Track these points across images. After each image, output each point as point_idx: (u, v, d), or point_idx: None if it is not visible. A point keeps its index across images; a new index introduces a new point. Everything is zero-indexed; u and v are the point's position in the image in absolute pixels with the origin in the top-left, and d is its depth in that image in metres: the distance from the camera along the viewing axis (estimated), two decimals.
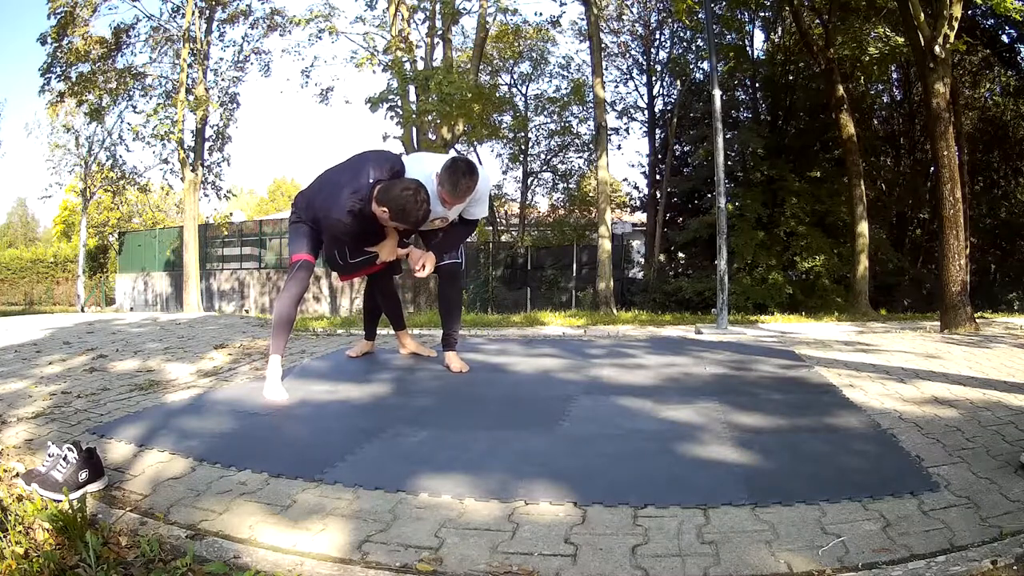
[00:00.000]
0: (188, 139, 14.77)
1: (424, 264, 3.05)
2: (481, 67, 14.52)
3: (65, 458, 1.78)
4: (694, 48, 16.19)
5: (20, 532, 1.53)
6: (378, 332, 3.81)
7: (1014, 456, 1.89)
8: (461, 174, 2.88)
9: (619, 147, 22.56)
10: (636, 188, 20.45)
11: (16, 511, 1.61)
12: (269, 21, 14.94)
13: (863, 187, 11.73)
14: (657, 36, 18.01)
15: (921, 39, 6.24)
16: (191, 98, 14.19)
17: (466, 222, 3.26)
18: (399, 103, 11.44)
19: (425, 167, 3.01)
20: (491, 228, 19.44)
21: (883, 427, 2.27)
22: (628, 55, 19.03)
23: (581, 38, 17.50)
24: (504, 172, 21.81)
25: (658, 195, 16.90)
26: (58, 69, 14.43)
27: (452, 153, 3.30)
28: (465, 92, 10.29)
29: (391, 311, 3.61)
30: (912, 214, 15.87)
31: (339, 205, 2.77)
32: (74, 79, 14.46)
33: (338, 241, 2.95)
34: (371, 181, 2.80)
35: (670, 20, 15.92)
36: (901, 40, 10.74)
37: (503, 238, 19.95)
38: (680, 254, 16.95)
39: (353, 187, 2.79)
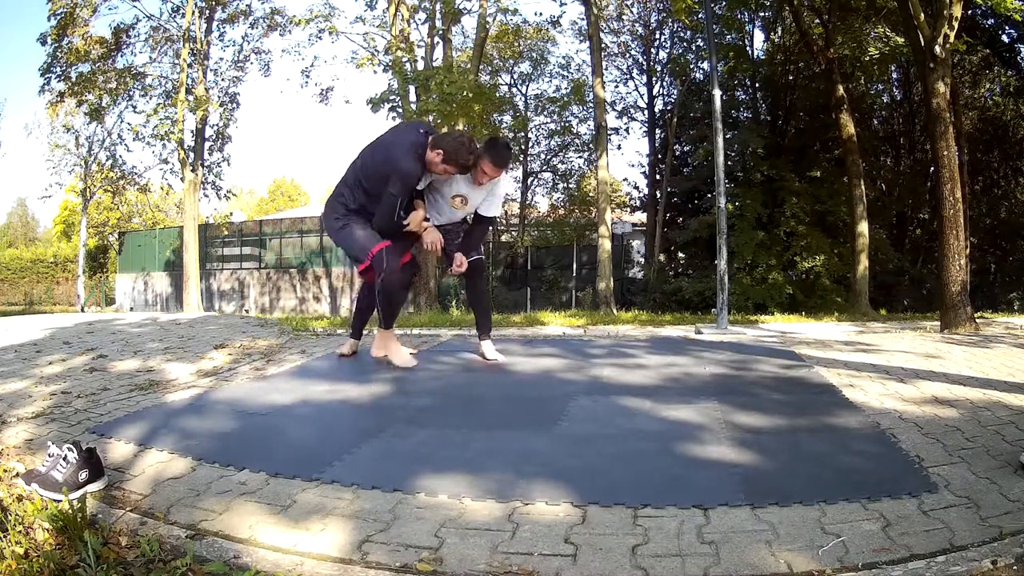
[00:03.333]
0: (188, 139, 14.80)
1: (461, 262, 3.38)
2: (481, 67, 14.53)
3: (65, 458, 1.78)
4: (694, 48, 16.21)
5: (20, 532, 1.53)
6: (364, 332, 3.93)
7: (1014, 456, 1.89)
8: (503, 147, 3.37)
9: (619, 147, 22.63)
10: (636, 188, 20.50)
11: (16, 511, 1.61)
12: (269, 21, 14.96)
13: (863, 187, 11.73)
14: (657, 36, 18.04)
15: (921, 39, 6.23)
16: (191, 98, 14.19)
17: (482, 220, 3.52)
18: (400, 103, 11.45)
19: None
20: (491, 228, 19.45)
21: (883, 427, 2.27)
22: (628, 55, 19.07)
23: (581, 38, 17.54)
24: (504, 172, 21.79)
25: (658, 195, 16.91)
26: (58, 69, 14.45)
27: None
28: (466, 92, 10.30)
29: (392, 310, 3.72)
30: (912, 214, 15.88)
31: (404, 155, 3.05)
32: (74, 79, 14.48)
33: (400, 194, 3.11)
34: (422, 132, 3.17)
35: (670, 20, 15.93)
36: (901, 40, 10.75)
37: (503, 238, 19.95)
38: (680, 254, 16.96)
39: (411, 139, 3.12)
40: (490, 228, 3.70)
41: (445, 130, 3.54)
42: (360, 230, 3.19)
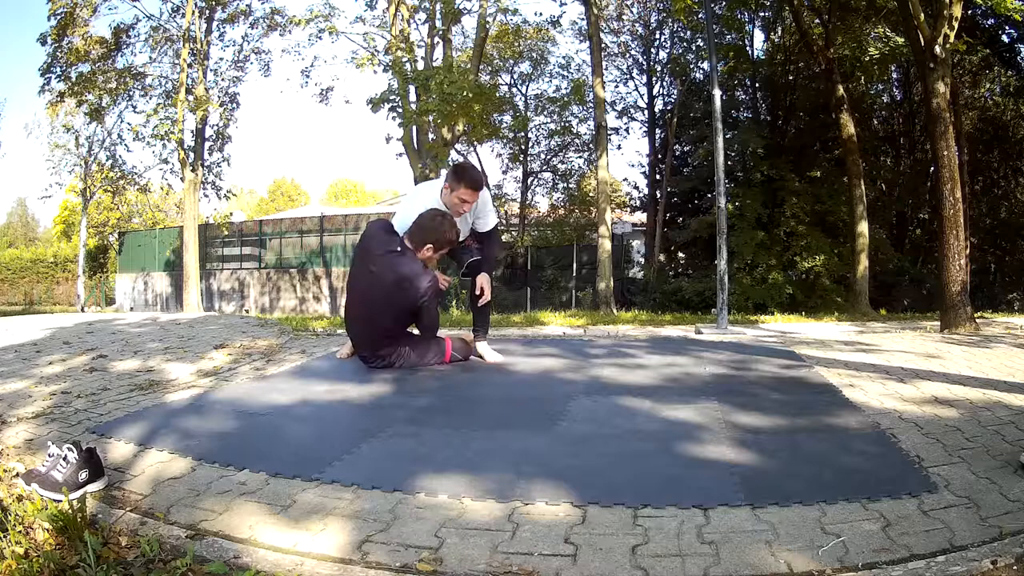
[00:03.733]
0: (188, 139, 14.78)
1: (482, 288, 3.40)
2: (481, 67, 14.52)
3: (65, 458, 1.78)
4: (694, 48, 16.19)
5: (20, 532, 1.53)
6: None
7: (1014, 456, 1.89)
8: (468, 167, 3.34)
9: (619, 147, 22.58)
10: (636, 188, 20.48)
11: (16, 511, 1.61)
12: (269, 21, 14.96)
13: (863, 187, 11.73)
14: (657, 36, 18.02)
15: (921, 39, 6.24)
16: (191, 98, 14.18)
17: (486, 235, 3.54)
18: (400, 103, 11.44)
19: (425, 199, 3.31)
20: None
21: (883, 427, 2.27)
22: (628, 55, 19.05)
23: (581, 38, 17.53)
24: (504, 172, 21.83)
25: (658, 195, 16.90)
26: (58, 69, 14.44)
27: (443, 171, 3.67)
28: (466, 92, 10.29)
29: None
30: (912, 214, 15.88)
31: (421, 279, 3.09)
32: (74, 79, 14.47)
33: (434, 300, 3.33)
34: (400, 239, 3.17)
35: (670, 20, 15.92)
36: (901, 40, 10.75)
37: (503, 238, 19.94)
38: (680, 254, 16.96)
39: (410, 261, 3.12)
40: (497, 232, 3.72)
41: (427, 187, 3.46)
42: (418, 347, 3.36)
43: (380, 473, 1.90)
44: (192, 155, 14.78)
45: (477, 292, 3.40)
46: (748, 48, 15.15)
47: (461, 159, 18.88)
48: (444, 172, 3.50)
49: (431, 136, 12.01)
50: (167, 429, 2.32)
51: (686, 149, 16.98)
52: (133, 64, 15.15)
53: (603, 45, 15.02)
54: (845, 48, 12.16)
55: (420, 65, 11.79)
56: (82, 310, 18.02)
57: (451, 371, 3.40)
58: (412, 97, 11.67)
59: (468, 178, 3.22)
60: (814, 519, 1.57)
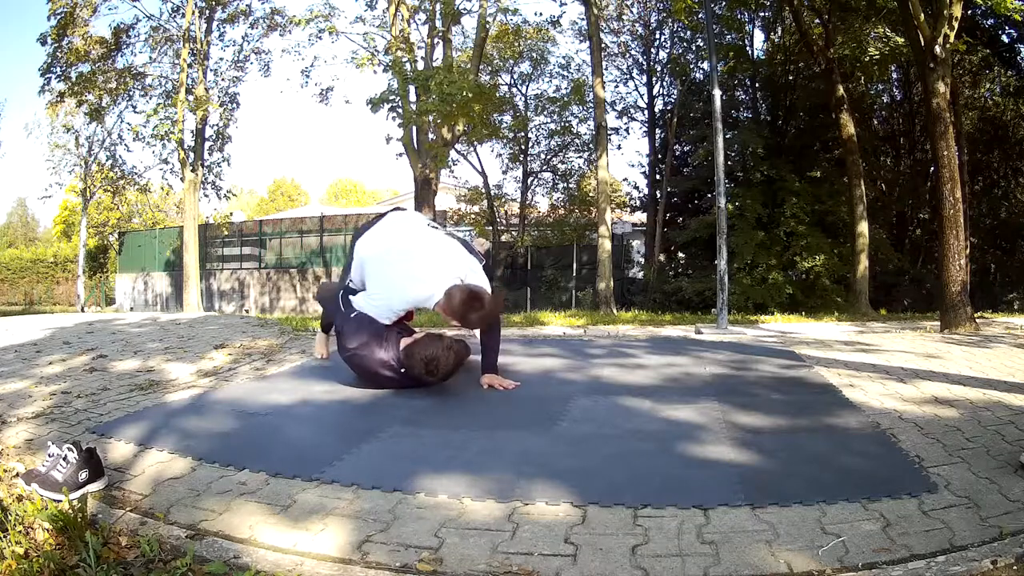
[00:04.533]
0: (188, 139, 14.76)
1: (490, 385, 2.99)
2: (481, 67, 14.51)
3: (65, 458, 1.78)
4: (694, 48, 16.19)
5: (20, 532, 1.53)
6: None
7: (1014, 456, 1.89)
8: (491, 311, 2.86)
9: (619, 147, 22.58)
10: (636, 188, 20.45)
11: (16, 511, 1.61)
12: (269, 21, 14.94)
13: (863, 187, 11.73)
14: (657, 36, 18.01)
15: (921, 39, 6.23)
16: (191, 98, 14.17)
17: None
18: (400, 103, 11.44)
19: (417, 292, 2.94)
20: (491, 228, 19.44)
21: (883, 427, 2.27)
22: (628, 55, 19.03)
23: (581, 38, 17.53)
24: (504, 172, 21.82)
25: (658, 195, 16.89)
26: (58, 69, 14.44)
27: (437, 244, 3.18)
28: (466, 92, 10.28)
29: None
30: (912, 214, 15.88)
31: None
32: (74, 79, 14.46)
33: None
34: (396, 352, 2.85)
35: (670, 20, 15.91)
36: (901, 40, 10.75)
37: (503, 238, 19.93)
38: (680, 254, 16.94)
39: (392, 360, 2.84)
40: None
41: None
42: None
43: (380, 473, 1.90)
44: (192, 155, 14.77)
45: (484, 387, 2.99)
46: (748, 48, 15.14)
47: (460, 160, 18.89)
48: (438, 257, 3.06)
49: (431, 136, 12.00)
50: (167, 429, 2.32)
51: (686, 149, 16.98)
52: (133, 64, 15.16)
53: (603, 45, 15.02)
54: (845, 48, 12.16)
55: (420, 65, 11.78)
56: (82, 310, 18.02)
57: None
58: (412, 97, 11.66)
59: (480, 319, 2.83)
60: (814, 519, 1.57)
